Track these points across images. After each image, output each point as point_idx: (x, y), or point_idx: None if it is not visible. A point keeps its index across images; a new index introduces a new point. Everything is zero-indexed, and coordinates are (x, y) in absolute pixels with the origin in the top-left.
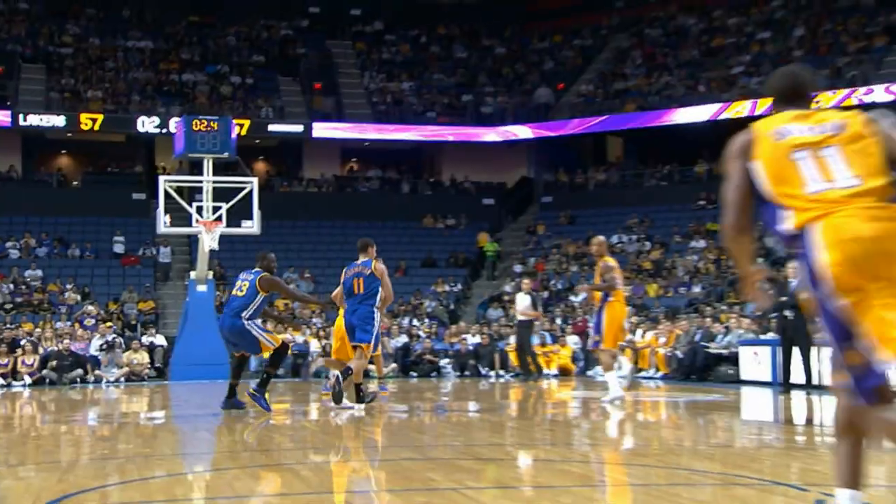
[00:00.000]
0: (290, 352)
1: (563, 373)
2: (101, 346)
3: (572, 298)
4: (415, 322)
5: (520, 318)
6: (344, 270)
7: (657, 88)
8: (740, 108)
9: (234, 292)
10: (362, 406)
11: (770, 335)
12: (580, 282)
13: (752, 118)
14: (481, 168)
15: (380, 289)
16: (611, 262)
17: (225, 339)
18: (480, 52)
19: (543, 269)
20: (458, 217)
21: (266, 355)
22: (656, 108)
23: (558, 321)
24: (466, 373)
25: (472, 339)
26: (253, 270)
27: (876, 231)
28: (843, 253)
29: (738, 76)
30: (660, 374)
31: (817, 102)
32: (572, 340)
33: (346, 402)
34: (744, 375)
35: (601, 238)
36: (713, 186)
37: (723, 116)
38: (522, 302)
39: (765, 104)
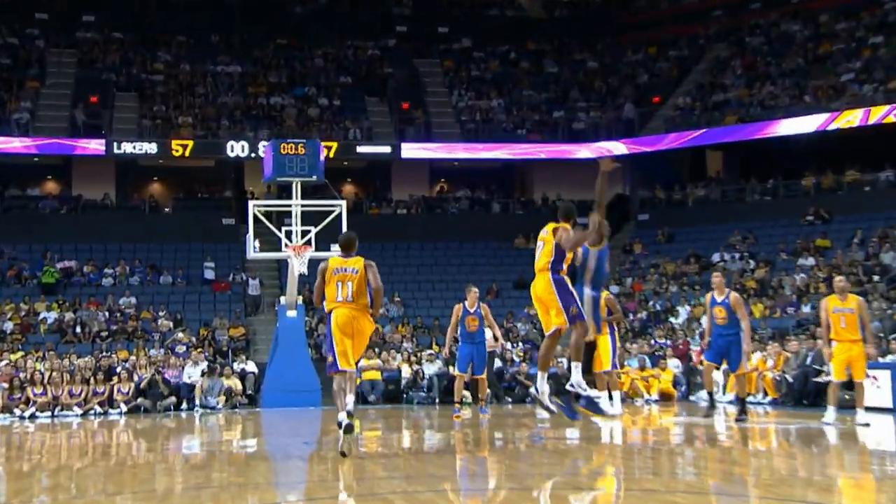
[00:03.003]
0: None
1: (664, 398)
2: (203, 371)
3: (672, 320)
4: (507, 345)
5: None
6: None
7: (759, 99)
8: (851, 118)
9: None
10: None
11: (890, 358)
12: (680, 303)
13: (864, 128)
14: (574, 186)
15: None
16: None
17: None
18: (572, 66)
19: (641, 289)
20: None
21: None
22: (759, 119)
23: (659, 343)
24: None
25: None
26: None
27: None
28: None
29: (848, 83)
30: (768, 399)
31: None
32: (673, 364)
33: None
34: None
35: None
36: (822, 200)
37: (831, 127)
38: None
39: (878, 112)
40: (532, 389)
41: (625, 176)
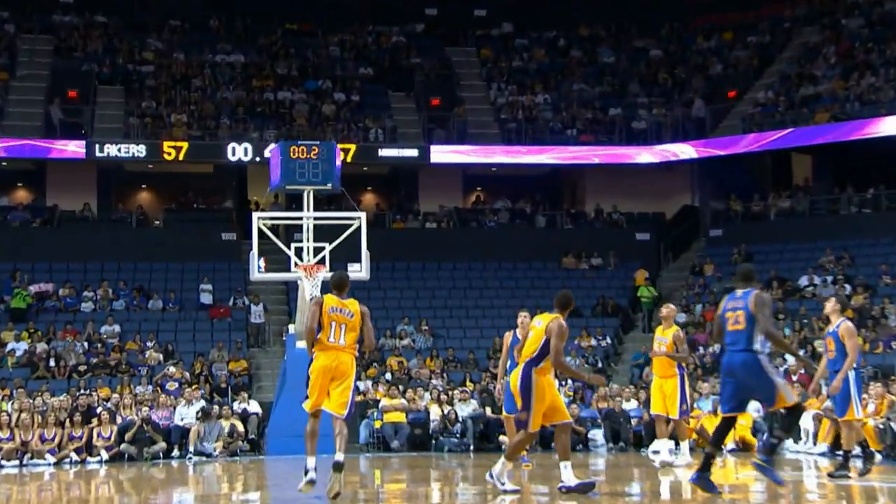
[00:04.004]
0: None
1: (742, 447)
2: (197, 413)
3: None
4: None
5: None
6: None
7: (857, 93)
8: None
9: (728, 327)
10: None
11: None
12: None
13: None
14: (633, 196)
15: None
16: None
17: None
18: (631, 55)
19: (713, 318)
20: (605, 256)
21: (780, 408)
22: (856, 117)
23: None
24: (621, 444)
25: (627, 405)
26: (745, 290)
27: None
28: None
29: None
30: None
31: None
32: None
33: None
34: None
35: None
36: None
37: None
38: None
39: None
40: (560, 486)
41: (693, 184)
